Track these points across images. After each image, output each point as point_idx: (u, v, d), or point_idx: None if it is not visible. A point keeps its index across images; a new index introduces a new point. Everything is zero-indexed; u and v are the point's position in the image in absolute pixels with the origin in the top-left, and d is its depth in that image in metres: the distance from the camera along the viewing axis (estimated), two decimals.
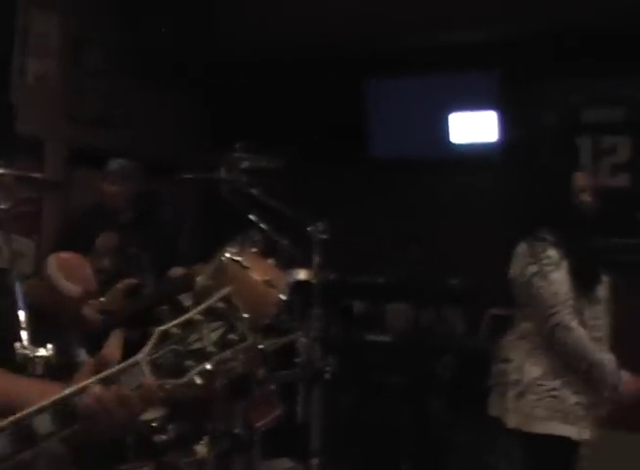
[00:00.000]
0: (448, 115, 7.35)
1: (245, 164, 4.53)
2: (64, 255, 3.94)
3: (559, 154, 6.80)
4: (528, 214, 4.26)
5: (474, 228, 6.92)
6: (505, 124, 7.12)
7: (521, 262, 4.04)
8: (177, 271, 5.11)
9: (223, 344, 1.72)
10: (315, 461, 4.54)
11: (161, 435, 3.33)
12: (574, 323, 3.86)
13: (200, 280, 3.94)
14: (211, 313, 1.72)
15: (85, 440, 1.74)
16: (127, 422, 1.74)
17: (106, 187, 5.41)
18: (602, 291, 4.06)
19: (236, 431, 3.86)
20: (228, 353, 1.72)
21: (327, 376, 4.43)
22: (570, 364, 3.91)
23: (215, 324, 1.72)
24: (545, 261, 3.93)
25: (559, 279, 3.90)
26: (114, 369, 1.72)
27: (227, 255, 3.95)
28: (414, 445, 6.31)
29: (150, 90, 7.28)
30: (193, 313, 1.72)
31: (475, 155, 7.21)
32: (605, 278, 4.11)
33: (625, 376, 3.96)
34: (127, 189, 5.41)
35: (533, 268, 3.96)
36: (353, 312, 6.93)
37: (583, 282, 3.94)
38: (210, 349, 1.71)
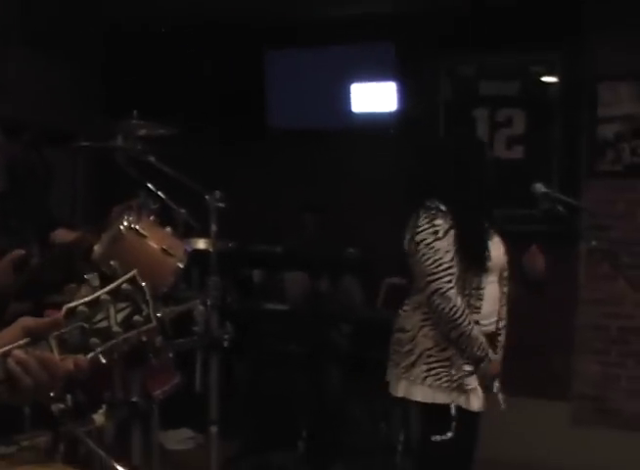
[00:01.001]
0: (348, 85, 7.36)
1: (141, 132, 4.48)
2: None
3: (455, 125, 6.89)
4: (421, 185, 4.31)
5: (372, 198, 6.98)
6: (403, 95, 7.17)
7: (410, 232, 4.05)
8: (62, 234, 5.01)
9: (128, 325, 1.77)
10: (214, 430, 4.55)
11: (59, 404, 3.31)
12: (452, 292, 3.89)
13: (97, 248, 3.91)
14: (118, 294, 1.77)
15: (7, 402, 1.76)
16: (50, 386, 1.77)
17: None
18: (494, 260, 4.11)
19: (134, 399, 3.85)
20: (132, 334, 1.78)
21: (225, 344, 4.44)
22: (442, 331, 3.97)
23: (122, 305, 1.77)
24: (431, 230, 3.94)
25: (443, 248, 3.92)
26: (20, 342, 1.75)
27: (124, 223, 3.92)
28: (312, 413, 6.36)
29: (43, 58, 7.14)
30: (100, 293, 1.76)
31: (375, 125, 7.24)
32: (497, 247, 4.16)
33: (493, 357, 4.05)
34: None
35: (420, 237, 3.98)
36: (253, 281, 6.93)
37: (469, 253, 3.98)
38: (116, 328, 1.76)
